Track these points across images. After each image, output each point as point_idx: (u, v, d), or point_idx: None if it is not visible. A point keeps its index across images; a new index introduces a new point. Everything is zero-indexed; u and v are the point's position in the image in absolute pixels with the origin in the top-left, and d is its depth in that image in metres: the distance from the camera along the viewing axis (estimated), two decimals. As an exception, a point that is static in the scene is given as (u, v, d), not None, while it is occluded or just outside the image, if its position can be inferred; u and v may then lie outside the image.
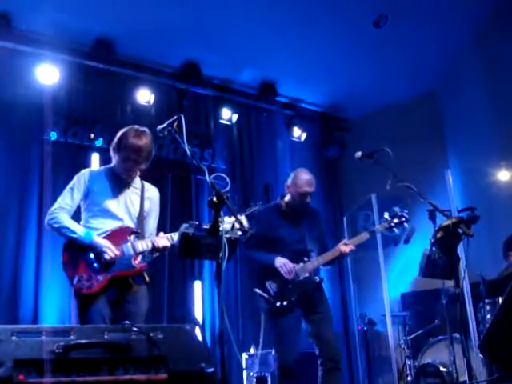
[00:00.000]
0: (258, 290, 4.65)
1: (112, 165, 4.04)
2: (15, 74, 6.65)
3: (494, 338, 3.61)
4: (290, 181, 4.88)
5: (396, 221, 4.74)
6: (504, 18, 7.06)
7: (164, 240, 3.84)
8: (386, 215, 4.79)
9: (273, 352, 6.11)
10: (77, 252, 3.77)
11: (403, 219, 4.74)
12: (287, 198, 4.90)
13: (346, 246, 4.71)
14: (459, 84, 8.05)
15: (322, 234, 5.09)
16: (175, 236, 3.77)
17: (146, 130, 3.96)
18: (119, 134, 3.94)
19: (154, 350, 2.46)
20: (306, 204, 4.84)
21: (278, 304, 4.56)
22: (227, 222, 3.24)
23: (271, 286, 4.62)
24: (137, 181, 4.09)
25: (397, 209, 4.78)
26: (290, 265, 4.59)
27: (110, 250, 3.74)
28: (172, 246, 3.82)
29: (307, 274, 4.65)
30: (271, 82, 8.46)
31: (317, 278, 4.72)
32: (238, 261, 7.70)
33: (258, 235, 4.76)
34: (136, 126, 3.97)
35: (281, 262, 4.59)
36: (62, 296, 6.19)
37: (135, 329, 2.53)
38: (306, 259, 4.70)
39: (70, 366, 2.29)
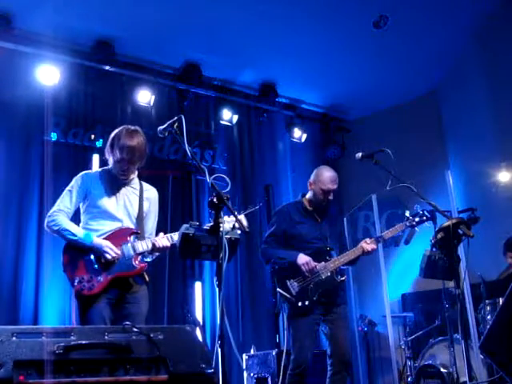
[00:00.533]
0: (280, 290, 4.59)
1: (109, 166, 4.04)
2: (16, 74, 6.65)
3: (494, 339, 3.61)
4: (312, 177, 4.83)
5: (417, 219, 4.70)
6: (505, 19, 7.06)
7: (164, 240, 3.84)
8: (407, 213, 4.77)
9: (273, 352, 6.15)
10: (77, 253, 3.77)
11: (424, 218, 4.68)
12: (309, 195, 4.86)
13: (368, 244, 4.68)
14: (460, 85, 8.05)
15: (342, 233, 5.07)
16: (175, 236, 3.77)
17: (138, 128, 3.96)
18: (112, 135, 3.94)
19: (155, 350, 2.46)
20: (328, 201, 4.80)
21: (300, 304, 4.51)
22: (227, 221, 3.25)
23: (293, 285, 4.55)
24: (135, 181, 4.09)
25: (418, 207, 4.76)
26: (312, 263, 4.54)
27: (112, 250, 3.75)
28: (172, 245, 3.82)
29: (329, 274, 4.58)
30: (271, 82, 8.46)
31: (339, 278, 4.66)
32: (239, 261, 7.72)
33: (278, 232, 4.76)
34: (127, 126, 3.96)
35: (303, 260, 4.53)
36: (63, 297, 6.20)
37: (135, 330, 2.53)
38: (327, 258, 4.64)
39: (71, 366, 2.29)
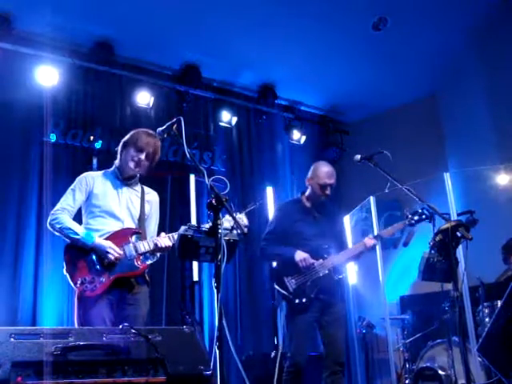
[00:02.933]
0: (277, 287, 4.61)
1: (113, 168, 4.07)
2: (15, 75, 6.65)
3: (492, 342, 3.61)
4: (310, 173, 4.86)
5: (417, 218, 4.69)
6: (503, 22, 7.07)
7: (166, 240, 3.86)
8: (406, 212, 4.77)
9: (272, 354, 6.14)
10: (78, 254, 3.77)
11: (424, 216, 4.66)
12: (307, 191, 4.89)
13: (370, 239, 4.68)
14: (458, 87, 8.06)
15: (342, 231, 5.08)
16: (176, 236, 3.78)
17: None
18: (130, 132, 4.04)
19: (153, 352, 2.46)
20: (327, 196, 4.80)
21: (297, 301, 4.51)
22: (226, 220, 3.26)
23: (290, 282, 4.56)
24: (137, 184, 4.13)
25: (418, 206, 4.75)
26: (310, 260, 4.55)
27: (114, 251, 3.75)
28: (173, 245, 3.83)
29: (326, 271, 4.59)
30: (271, 84, 8.48)
31: (336, 276, 4.66)
32: (237, 263, 7.71)
33: (278, 230, 4.76)
34: (145, 129, 4.07)
35: (301, 256, 4.54)
36: (61, 298, 6.20)
37: (134, 331, 2.53)
38: (325, 255, 4.65)
39: (69, 368, 2.30)
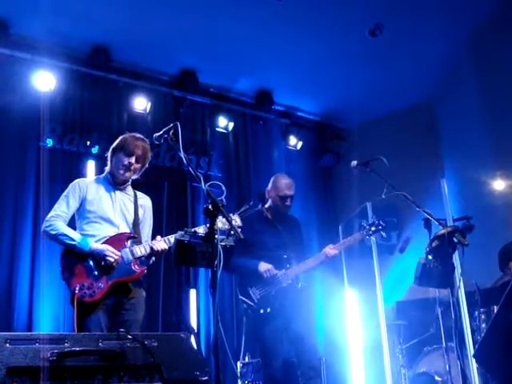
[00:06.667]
0: (242, 297, 4.67)
1: (105, 173, 4.08)
2: (11, 80, 6.65)
3: (488, 347, 3.61)
4: (270, 185, 4.98)
5: (373, 228, 4.87)
6: (499, 28, 7.09)
7: (162, 243, 3.86)
8: (364, 223, 4.93)
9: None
10: (75, 260, 3.76)
11: (380, 227, 4.89)
12: (268, 203, 4.98)
13: (331, 249, 4.76)
14: (455, 93, 8.08)
15: (303, 241, 5.14)
16: (172, 238, 3.78)
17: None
18: (119, 138, 4.06)
19: (149, 358, 2.46)
20: (287, 208, 4.89)
21: (262, 311, 4.57)
22: (221, 221, 3.26)
23: (254, 292, 4.64)
24: (129, 189, 4.14)
25: (374, 217, 5.04)
26: (274, 271, 4.62)
27: (113, 253, 3.74)
28: (169, 248, 3.84)
29: (290, 281, 4.69)
30: (267, 90, 8.49)
31: (299, 285, 4.73)
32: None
33: (241, 241, 4.78)
34: (134, 133, 4.11)
35: (265, 267, 4.62)
36: (57, 303, 6.18)
37: (130, 337, 2.52)
38: (288, 265, 4.73)
39: (64, 373, 2.29)
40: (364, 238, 4.99)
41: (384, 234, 4.94)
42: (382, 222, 4.88)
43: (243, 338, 5.24)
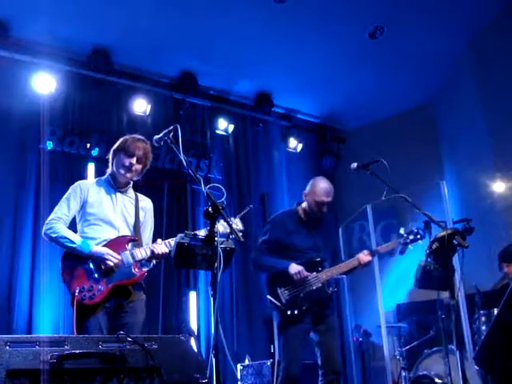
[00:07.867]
0: (270, 297, 4.60)
1: (106, 175, 4.07)
2: (12, 82, 6.66)
3: (488, 350, 3.60)
4: (308, 188, 4.82)
5: (412, 237, 4.74)
6: (500, 30, 7.10)
7: (162, 246, 3.84)
8: (402, 231, 4.82)
9: (268, 362, 6.13)
10: (76, 262, 3.75)
11: (418, 236, 4.73)
12: (304, 204, 4.85)
13: (365, 256, 4.68)
14: (455, 95, 8.09)
15: (336, 245, 5.07)
16: (173, 242, 3.76)
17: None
18: (120, 139, 4.03)
19: (149, 360, 2.45)
20: (322, 213, 4.79)
21: (289, 312, 4.50)
22: (221, 225, 3.26)
23: (283, 293, 4.56)
24: (130, 191, 4.12)
25: (413, 226, 4.82)
26: (305, 273, 4.54)
27: (113, 257, 3.73)
28: (170, 251, 3.82)
29: (320, 284, 4.59)
30: (267, 92, 8.49)
31: (330, 289, 4.66)
32: (234, 271, 7.70)
33: (271, 240, 4.74)
34: (135, 135, 4.07)
35: (296, 269, 4.52)
36: (57, 306, 6.18)
37: (130, 339, 2.52)
38: (319, 268, 4.64)
39: (64, 376, 2.29)
40: (398, 246, 4.87)
41: (421, 242, 4.81)
42: (420, 231, 4.73)
43: (275, 339, 5.14)
